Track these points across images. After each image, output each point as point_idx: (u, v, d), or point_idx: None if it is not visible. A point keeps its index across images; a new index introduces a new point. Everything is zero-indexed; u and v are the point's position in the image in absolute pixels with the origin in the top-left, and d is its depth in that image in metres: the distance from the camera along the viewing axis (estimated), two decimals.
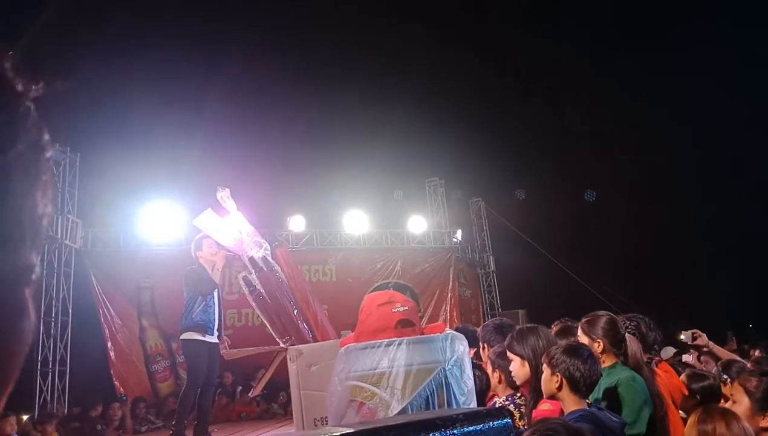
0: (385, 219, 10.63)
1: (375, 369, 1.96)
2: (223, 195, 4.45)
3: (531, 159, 15.02)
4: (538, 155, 15.17)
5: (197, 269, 5.26)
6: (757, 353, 4.95)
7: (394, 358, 1.97)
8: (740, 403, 2.22)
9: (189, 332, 5.15)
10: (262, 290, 3.83)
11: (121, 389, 7.88)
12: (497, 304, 11.25)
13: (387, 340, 2.01)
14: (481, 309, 11.15)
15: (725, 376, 3.30)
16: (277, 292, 3.81)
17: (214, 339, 5.22)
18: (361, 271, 10.00)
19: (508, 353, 3.12)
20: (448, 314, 10.24)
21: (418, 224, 10.86)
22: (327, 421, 2.11)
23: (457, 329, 2.43)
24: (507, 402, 3.20)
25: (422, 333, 2.14)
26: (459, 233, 11.35)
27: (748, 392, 2.19)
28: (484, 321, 8.75)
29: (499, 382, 3.31)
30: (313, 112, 11.61)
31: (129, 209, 8.60)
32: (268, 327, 3.79)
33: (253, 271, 3.95)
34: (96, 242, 8.60)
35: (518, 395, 3.22)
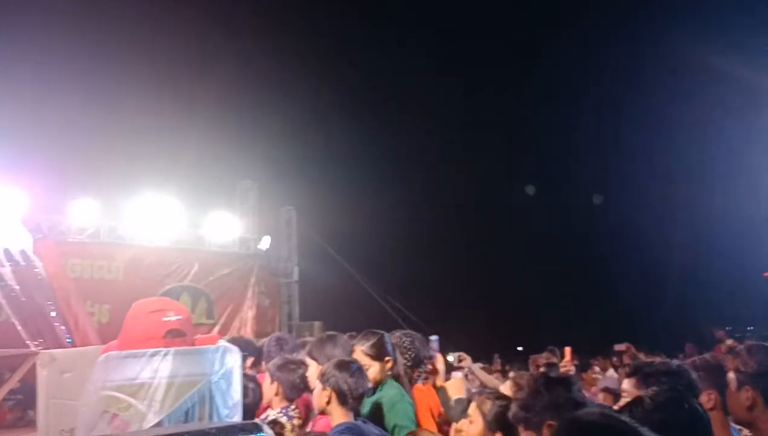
0: (187, 217, 10.17)
1: (135, 379, 1.92)
2: None
3: (348, 172, 15.50)
4: (355, 168, 15.72)
5: None
6: (511, 374, 5.63)
7: (158, 368, 1.94)
8: (476, 423, 2.54)
9: None
10: (15, 287, 3.49)
11: None
12: (295, 315, 11.38)
13: (152, 350, 1.98)
14: (278, 319, 11.19)
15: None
16: (34, 290, 3.50)
17: None
18: (153, 271, 9.47)
19: (307, 359, 3.21)
20: (244, 323, 10.14)
21: (223, 227, 10.59)
22: (74, 432, 2.01)
23: (231, 340, 2.46)
24: (280, 414, 3.29)
25: (193, 344, 2.14)
26: (266, 240, 11.29)
27: (482, 413, 2.52)
28: (282, 331, 8.81)
29: (276, 394, 3.40)
30: (117, 95, 10.83)
31: None
32: (19, 328, 3.46)
33: (8, 265, 3.58)
34: None
35: (293, 407, 3.34)
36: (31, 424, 7.09)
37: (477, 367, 4.88)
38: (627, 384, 2.52)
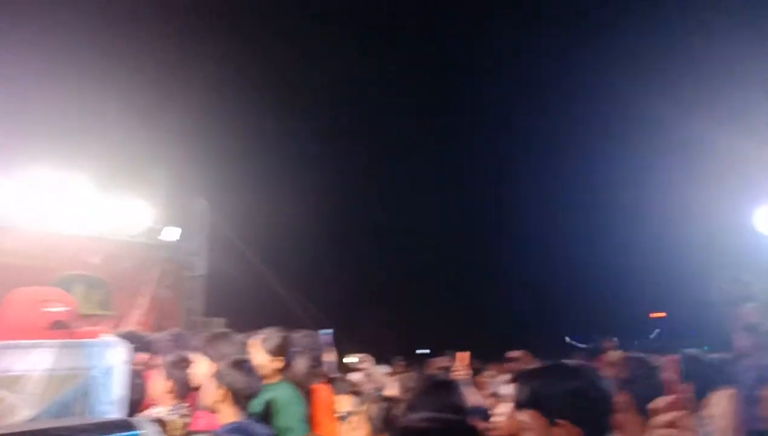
0: (92, 203, 9.69)
1: (9, 371, 1.87)
2: None
3: (263, 168, 15.33)
4: (273, 164, 15.58)
5: None
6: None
7: (37, 361, 1.90)
8: (362, 429, 2.63)
9: None
10: None
11: None
12: (198, 310, 11.12)
13: (31, 341, 1.93)
14: (181, 314, 10.90)
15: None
16: None
17: None
18: (49, 256, 8.98)
19: (199, 355, 3.19)
20: (143, 315, 9.80)
21: (130, 215, 10.18)
22: None
23: (120, 334, 2.43)
24: (172, 412, 3.25)
25: (77, 337, 2.10)
26: (175, 232, 10.95)
27: (369, 417, 2.61)
28: (182, 326, 8.60)
29: (169, 391, 3.36)
30: (25, 71, 10.24)
31: None
32: None
33: None
34: None
35: (185, 405, 3.31)
36: None
37: (378, 370, 4.99)
38: (507, 389, 2.68)
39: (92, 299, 9.60)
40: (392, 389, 3.90)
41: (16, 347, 1.90)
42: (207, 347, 3.16)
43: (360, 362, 4.49)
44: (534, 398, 1.75)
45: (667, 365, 1.44)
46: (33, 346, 1.91)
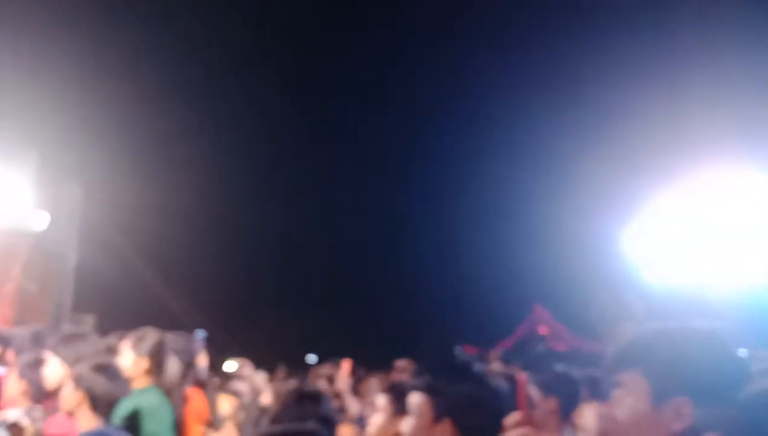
0: None
1: None
2: None
3: (146, 154, 14.67)
4: (157, 152, 14.94)
5: None
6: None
7: None
8: (229, 430, 2.59)
9: None
10: None
11: None
12: (67, 305, 10.45)
13: None
14: (48, 309, 10.19)
15: None
16: None
17: None
18: None
19: (47, 356, 2.99)
20: (6, 309, 9.09)
21: None
22: None
23: None
24: (23, 416, 3.04)
25: None
26: (42, 218, 10.19)
27: (238, 424, 2.58)
28: (49, 322, 8.05)
29: (23, 393, 3.13)
30: None
31: None
32: None
33: None
34: None
35: (39, 408, 3.10)
36: None
37: (257, 376, 4.91)
38: (381, 399, 2.73)
39: None
40: (268, 397, 3.86)
41: None
42: (61, 348, 2.99)
43: (239, 367, 4.40)
44: (430, 387, 1.82)
45: (519, 383, 1.54)
46: None
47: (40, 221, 10.21)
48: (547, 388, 2.71)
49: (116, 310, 9.83)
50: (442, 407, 1.79)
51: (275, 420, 2.04)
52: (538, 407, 2.61)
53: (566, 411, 2.82)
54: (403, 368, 7.06)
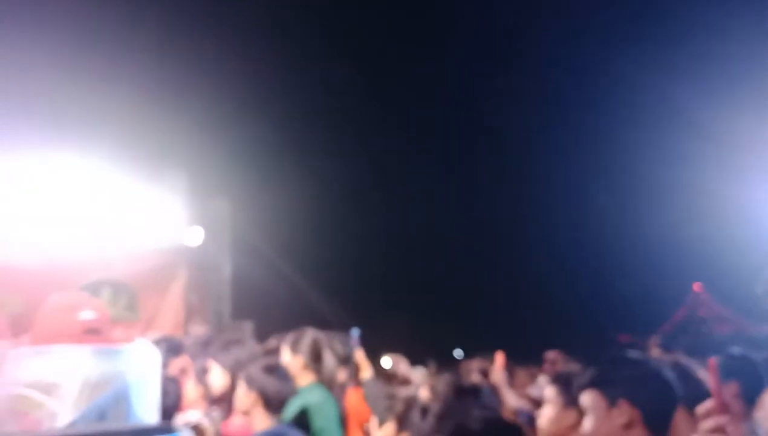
0: (113, 207, 9.91)
1: (47, 377, 1.93)
2: None
3: (286, 166, 15.42)
4: (293, 164, 15.67)
5: None
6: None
7: (72, 367, 1.96)
8: (392, 428, 2.66)
9: None
10: None
11: None
12: (226, 314, 11.26)
13: (66, 347, 1.99)
14: (208, 317, 11.05)
15: None
16: None
17: None
18: (74, 261, 9.19)
19: (210, 363, 3.26)
20: (171, 320, 9.95)
21: (151, 218, 10.37)
22: None
23: (154, 339, 2.49)
24: (203, 417, 3.32)
25: (109, 342, 2.15)
26: (196, 234, 11.11)
27: (398, 419, 2.64)
28: (210, 330, 8.72)
29: (201, 396, 3.43)
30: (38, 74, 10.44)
31: None
32: None
33: None
34: None
35: (217, 409, 3.37)
36: None
37: (415, 371, 5.00)
38: (549, 392, 2.68)
39: (119, 304, 9.75)
40: (424, 392, 3.92)
41: (53, 353, 1.96)
42: (221, 354, 3.22)
43: (395, 363, 4.51)
44: (596, 380, 1.87)
45: (709, 368, 1.46)
46: (68, 351, 1.96)
47: (194, 236, 11.13)
48: (726, 372, 2.54)
49: (271, 315, 10.44)
50: (613, 393, 1.80)
51: (440, 417, 2.07)
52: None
53: (750, 397, 2.62)
54: (554, 360, 6.89)
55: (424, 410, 2.61)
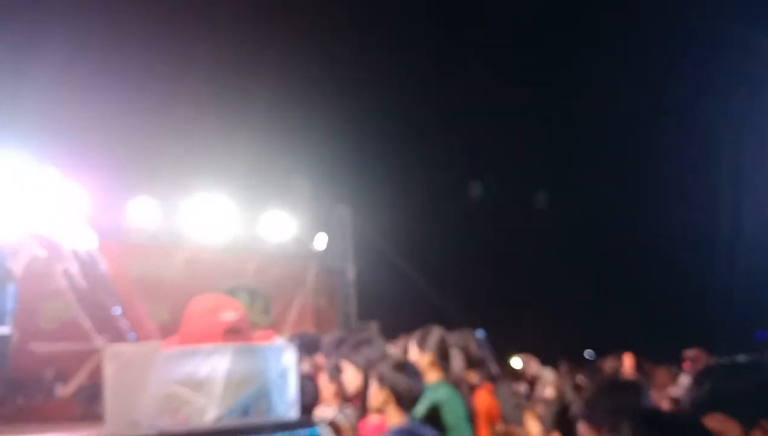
0: (242, 217, 10.50)
1: (195, 375, 2.05)
2: (52, 175, 4.30)
3: (406, 168, 15.54)
4: (414, 164, 15.75)
5: None
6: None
7: (216, 365, 2.06)
8: (531, 427, 2.58)
9: None
10: (83, 285, 3.76)
11: None
12: (353, 315, 11.54)
13: (211, 346, 2.10)
14: (336, 319, 11.38)
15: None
16: (99, 288, 3.76)
17: (6, 330, 5.00)
18: (211, 271, 9.79)
19: (343, 363, 3.32)
20: (301, 322, 10.35)
21: (277, 226, 10.86)
22: (139, 425, 2.16)
23: (293, 338, 2.58)
24: (338, 414, 3.40)
25: (250, 341, 2.25)
26: (320, 239, 11.50)
27: (537, 416, 2.55)
28: (338, 331, 8.97)
29: (335, 394, 3.51)
30: (170, 96, 11.22)
31: None
32: (88, 323, 3.74)
33: (76, 264, 3.85)
34: None
35: (352, 407, 3.43)
36: (98, 417, 7.49)
37: (545, 371, 4.86)
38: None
39: (255, 308, 10.26)
40: (551, 392, 3.79)
41: (199, 352, 2.07)
42: (352, 354, 3.25)
43: (525, 363, 4.40)
44: (716, 399, 1.58)
45: None
46: (213, 351, 2.07)
47: (319, 241, 11.53)
48: None
49: (396, 315, 10.55)
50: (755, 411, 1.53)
51: (590, 406, 1.97)
52: None
53: None
54: (695, 358, 6.41)
55: (564, 410, 2.51)
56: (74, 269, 3.81)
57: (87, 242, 3.98)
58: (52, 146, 7.19)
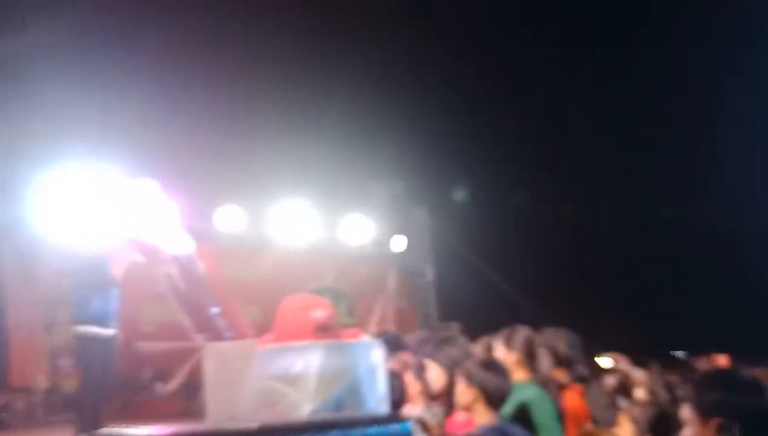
0: (324, 221, 10.72)
1: (289, 371, 2.09)
2: (150, 186, 4.53)
3: (481, 169, 15.36)
4: (490, 166, 15.54)
5: (94, 256, 5.30)
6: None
7: (309, 361, 2.10)
8: (624, 429, 2.46)
9: (85, 326, 5.17)
10: (182, 286, 3.93)
11: (22, 380, 7.77)
12: (433, 315, 11.51)
13: (304, 343, 2.13)
14: (416, 320, 11.39)
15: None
16: (198, 289, 3.92)
17: (111, 332, 5.25)
18: (296, 272, 10.02)
19: (427, 362, 3.30)
20: (383, 323, 10.42)
21: (358, 229, 11.01)
22: (238, 419, 2.23)
23: (377, 335, 2.59)
24: (424, 412, 3.38)
25: (339, 339, 2.27)
26: (399, 241, 11.55)
27: (630, 420, 2.43)
28: (423, 331, 8.97)
29: (419, 392, 3.49)
30: (252, 106, 11.58)
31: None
32: (188, 323, 3.90)
33: (176, 267, 4.04)
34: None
35: (436, 404, 3.41)
36: (197, 414, 7.80)
37: (635, 371, 4.67)
38: None
39: (340, 309, 10.39)
40: (641, 393, 3.63)
41: (293, 349, 2.12)
42: (435, 353, 3.22)
43: (614, 363, 4.24)
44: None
45: None
46: (306, 347, 2.11)
47: (398, 243, 11.58)
48: None
49: (476, 317, 10.42)
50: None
51: (701, 390, 1.86)
52: None
53: None
54: None
55: (659, 412, 2.39)
56: (174, 272, 4.00)
57: (185, 247, 4.17)
58: (148, 159, 7.60)
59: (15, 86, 8.91)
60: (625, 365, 4.23)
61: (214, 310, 3.87)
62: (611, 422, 3.36)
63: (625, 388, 4.34)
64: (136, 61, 10.04)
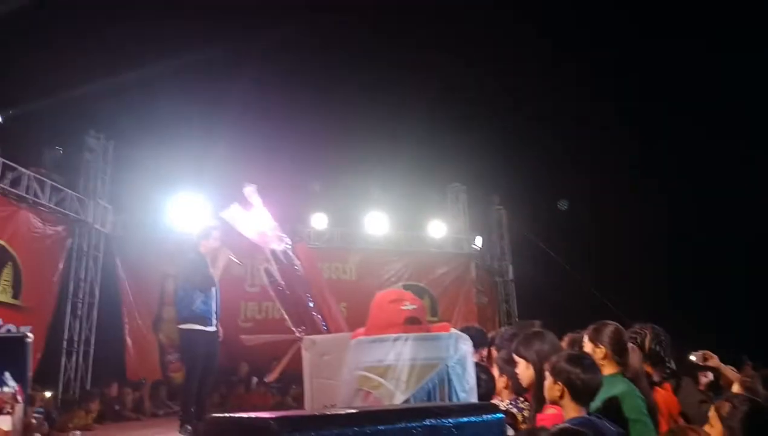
0: (405, 221, 10.79)
1: (382, 361, 2.12)
2: (250, 191, 4.72)
3: (558, 168, 14.98)
4: (566, 165, 15.13)
5: (195, 259, 5.53)
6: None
7: (401, 352, 2.12)
8: (714, 427, 2.33)
9: (189, 323, 5.40)
10: (281, 282, 4.08)
11: (137, 374, 8.19)
12: (514, 313, 11.32)
13: (394, 335, 2.16)
14: (497, 318, 11.23)
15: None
16: (295, 284, 4.04)
17: (213, 329, 5.46)
18: (380, 271, 10.17)
19: (514, 356, 3.24)
20: (466, 320, 10.34)
21: (437, 229, 10.99)
22: (335, 407, 2.28)
23: (462, 330, 2.58)
24: (510, 405, 3.33)
25: (428, 331, 2.29)
26: (478, 240, 11.45)
27: (721, 417, 2.30)
28: (511, 326, 8.85)
29: (505, 387, 3.44)
30: (337, 112, 11.82)
31: (158, 198, 8.88)
32: (286, 317, 4.04)
33: (275, 263, 4.19)
34: (125, 228, 8.90)
35: (522, 399, 3.35)
36: (290, 406, 8.04)
37: (727, 368, 4.42)
38: None
39: (424, 305, 10.47)
40: (737, 389, 3.42)
41: (385, 341, 2.15)
42: (522, 348, 3.16)
43: (703, 359, 4.03)
44: None
45: None
46: (398, 339, 2.14)
47: (477, 242, 11.46)
48: None
49: (557, 313, 10.15)
50: None
51: None
52: None
53: None
54: None
55: (756, 409, 2.24)
56: (273, 268, 4.16)
57: (283, 244, 4.34)
58: (249, 167, 7.97)
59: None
60: (715, 361, 4.01)
61: (310, 304, 4.00)
62: (704, 419, 3.20)
63: (717, 385, 4.12)
64: (245, 93, 10.54)
